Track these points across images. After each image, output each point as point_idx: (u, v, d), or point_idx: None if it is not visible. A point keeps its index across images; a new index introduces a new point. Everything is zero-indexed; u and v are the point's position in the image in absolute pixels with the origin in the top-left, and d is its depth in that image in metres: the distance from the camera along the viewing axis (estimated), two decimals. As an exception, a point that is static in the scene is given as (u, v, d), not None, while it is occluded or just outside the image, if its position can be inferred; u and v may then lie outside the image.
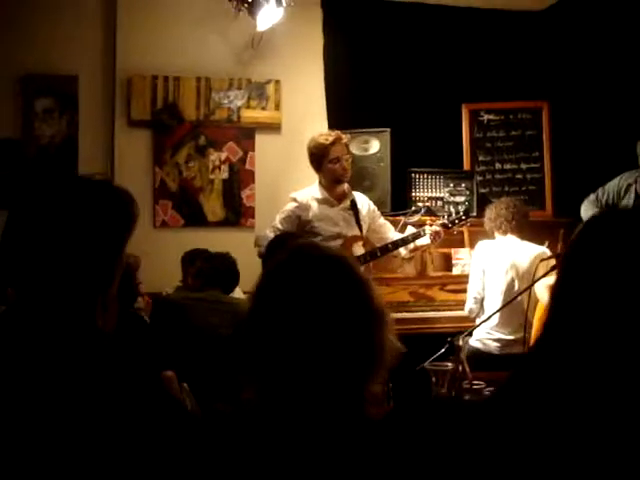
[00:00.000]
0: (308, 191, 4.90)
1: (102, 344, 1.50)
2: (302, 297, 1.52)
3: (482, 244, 5.02)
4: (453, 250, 5.59)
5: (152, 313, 4.58)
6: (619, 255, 1.42)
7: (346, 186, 4.88)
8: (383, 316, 1.56)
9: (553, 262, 4.14)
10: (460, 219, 4.91)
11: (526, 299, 4.46)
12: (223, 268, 4.46)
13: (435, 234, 4.79)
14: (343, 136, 4.82)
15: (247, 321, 1.58)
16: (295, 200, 4.85)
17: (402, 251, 4.95)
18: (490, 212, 5.04)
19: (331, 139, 4.73)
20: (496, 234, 5.00)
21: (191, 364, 3.86)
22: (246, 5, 5.17)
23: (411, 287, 5.54)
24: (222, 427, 1.53)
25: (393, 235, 4.98)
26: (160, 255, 5.66)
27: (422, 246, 4.94)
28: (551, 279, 4.37)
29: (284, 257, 1.60)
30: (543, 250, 4.95)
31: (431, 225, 4.88)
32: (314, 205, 4.80)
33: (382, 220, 5.07)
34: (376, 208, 5.09)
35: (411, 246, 4.92)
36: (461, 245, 5.59)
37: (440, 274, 5.61)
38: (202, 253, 4.94)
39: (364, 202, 4.99)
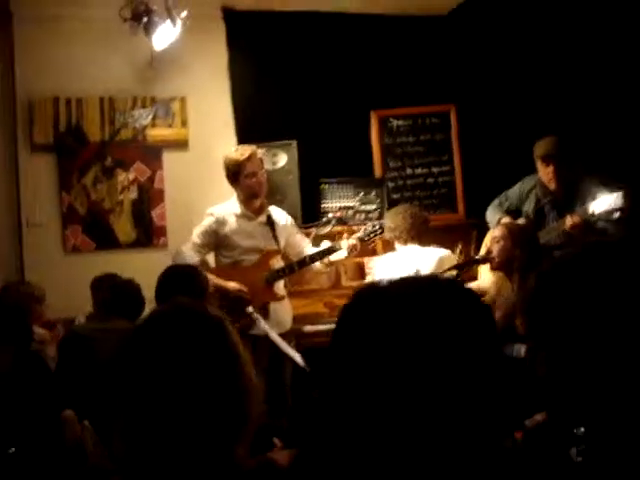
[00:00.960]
0: (226, 206, 4.93)
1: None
2: (162, 356, 1.50)
3: (383, 259, 5.04)
4: (366, 259, 5.61)
5: (60, 345, 4.50)
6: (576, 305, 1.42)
7: (263, 200, 4.90)
8: (249, 383, 1.55)
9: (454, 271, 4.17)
10: (376, 232, 4.92)
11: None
12: (127, 296, 4.39)
13: (352, 247, 4.81)
14: (258, 151, 4.85)
15: (115, 372, 1.56)
16: (212, 215, 4.88)
17: (318, 265, 4.95)
18: (389, 221, 5.03)
19: (246, 155, 4.76)
20: (396, 244, 5.01)
21: (97, 400, 3.80)
22: (141, 25, 5.09)
23: (326, 298, 5.55)
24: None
25: (310, 249, 5.00)
26: (73, 281, 5.57)
27: (339, 260, 4.95)
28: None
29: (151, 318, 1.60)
30: (446, 252, 4.99)
31: (348, 238, 4.88)
32: (231, 219, 4.83)
33: (299, 235, 5.09)
34: (294, 222, 5.12)
35: (327, 260, 4.93)
36: (374, 254, 5.62)
37: (354, 284, 5.62)
38: (110, 279, 4.86)
39: (281, 216, 5.02)
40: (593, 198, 4.42)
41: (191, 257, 4.73)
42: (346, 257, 4.90)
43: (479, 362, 1.15)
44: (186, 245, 4.82)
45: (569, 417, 1.52)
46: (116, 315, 4.39)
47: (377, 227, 4.92)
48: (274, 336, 4.09)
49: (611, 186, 4.32)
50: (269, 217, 4.86)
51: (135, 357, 1.54)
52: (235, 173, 4.77)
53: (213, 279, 4.63)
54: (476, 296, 1.24)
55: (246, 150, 4.80)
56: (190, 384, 1.47)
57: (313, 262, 4.86)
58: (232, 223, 4.82)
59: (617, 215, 4.23)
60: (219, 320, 1.56)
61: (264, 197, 4.90)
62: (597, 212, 4.33)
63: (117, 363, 1.59)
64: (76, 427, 3.42)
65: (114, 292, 4.46)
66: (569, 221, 4.48)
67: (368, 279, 5.57)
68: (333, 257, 4.88)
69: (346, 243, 4.81)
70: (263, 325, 4.21)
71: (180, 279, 3.71)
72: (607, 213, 4.27)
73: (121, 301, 4.38)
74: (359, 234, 4.90)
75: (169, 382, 1.48)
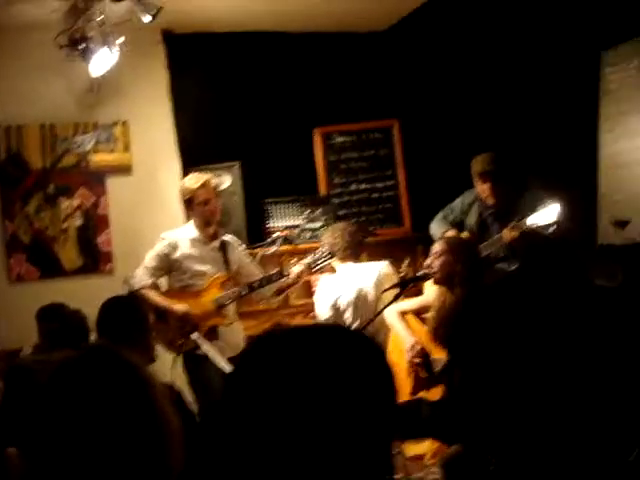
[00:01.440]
0: (180, 230, 5.03)
1: None
2: (72, 406, 1.49)
3: (323, 281, 5.08)
4: (313, 277, 5.62)
5: (5, 378, 4.45)
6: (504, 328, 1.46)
7: (217, 227, 4.99)
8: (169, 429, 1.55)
9: (397, 290, 4.20)
10: (325, 259, 4.96)
11: (380, 322, 4.53)
12: (72, 327, 4.36)
13: (299, 273, 4.86)
14: (212, 179, 4.94)
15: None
16: (164, 239, 4.95)
17: (267, 291, 5.01)
18: (326, 239, 5.07)
19: (199, 182, 4.84)
20: (335, 264, 5.03)
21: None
22: (78, 52, 5.07)
23: (275, 318, 5.58)
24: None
25: (259, 274, 5.03)
26: (18, 310, 5.48)
27: (287, 286, 5.02)
28: (401, 304, 4.48)
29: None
30: (385, 267, 5.03)
31: (296, 264, 4.93)
32: (184, 244, 4.90)
33: (252, 262, 5.15)
34: (247, 253, 5.19)
35: (275, 287, 4.99)
36: (321, 271, 5.63)
37: (302, 302, 5.65)
38: (55, 309, 4.82)
39: (234, 244, 5.09)
40: (531, 212, 4.51)
41: (143, 280, 4.82)
42: (294, 284, 4.97)
43: (367, 418, 1.16)
44: (139, 268, 4.90)
45: (483, 446, 1.56)
46: (62, 346, 4.36)
47: (326, 253, 4.95)
48: (219, 361, 4.11)
49: (547, 201, 4.41)
50: (222, 243, 4.95)
51: (46, 407, 1.53)
52: (189, 200, 4.87)
53: (161, 301, 4.75)
54: (376, 350, 1.26)
55: (200, 178, 4.89)
56: (101, 435, 1.45)
57: (261, 287, 4.91)
58: (184, 247, 4.89)
59: (551, 230, 4.32)
60: (133, 367, 1.56)
61: (218, 223, 4.99)
62: (533, 226, 4.42)
63: (33, 409, 1.58)
64: (19, 464, 3.39)
65: (59, 323, 4.43)
66: (507, 235, 4.57)
67: (315, 297, 5.61)
68: (281, 282, 4.94)
69: (295, 269, 4.85)
70: (206, 349, 4.24)
71: (120, 310, 3.70)
72: (542, 227, 4.36)
73: (66, 332, 4.36)
74: (307, 260, 4.94)
75: (80, 433, 1.45)
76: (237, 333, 4.98)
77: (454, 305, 4.10)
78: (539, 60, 5.18)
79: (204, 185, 4.83)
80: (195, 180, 4.87)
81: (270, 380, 1.16)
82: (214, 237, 4.95)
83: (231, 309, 4.95)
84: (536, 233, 4.55)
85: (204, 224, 4.89)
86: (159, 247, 4.92)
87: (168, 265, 4.88)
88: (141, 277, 4.83)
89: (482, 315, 1.51)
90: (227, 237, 5.05)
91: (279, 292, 5.05)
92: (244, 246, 5.19)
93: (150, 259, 4.89)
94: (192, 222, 4.96)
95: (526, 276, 1.60)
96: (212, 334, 4.73)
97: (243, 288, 4.88)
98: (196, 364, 4.67)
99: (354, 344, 1.24)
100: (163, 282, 5.05)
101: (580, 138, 5.00)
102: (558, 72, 5.05)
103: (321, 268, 5.02)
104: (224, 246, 4.95)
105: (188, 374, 4.76)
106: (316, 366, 1.17)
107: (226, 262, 4.90)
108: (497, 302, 1.52)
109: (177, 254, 4.87)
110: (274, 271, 4.92)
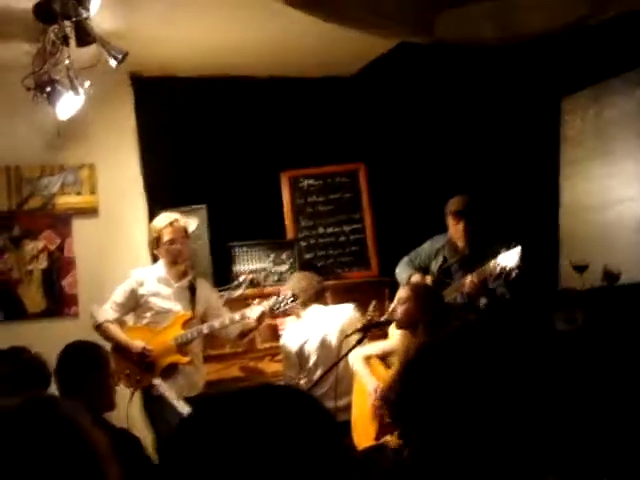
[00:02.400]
0: (150, 268, 5.14)
1: None
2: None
3: (289, 327, 5.11)
4: (279, 320, 5.62)
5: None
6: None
7: (187, 266, 5.06)
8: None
9: (359, 335, 4.22)
10: (287, 302, 4.98)
11: (345, 366, 4.53)
12: (31, 371, 4.31)
13: (261, 315, 4.88)
14: (180, 219, 4.99)
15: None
16: (132, 275, 5.03)
17: (230, 333, 5.04)
18: (289, 286, 5.11)
19: (167, 222, 4.92)
20: (299, 311, 5.06)
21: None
22: (45, 95, 5.07)
23: (241, 362, 5.55)
24: None
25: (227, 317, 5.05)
26: (-21, 353, 5.42)
27: (249, 329, 5.06)
28: (365, 349, 4.49)
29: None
30: (350, 311, 5.06)
31: (259, 304, 4.95)
32: (151, 281, 4.97)
33: (221, 305, 5.18)
34: (217, 295, 5.23)
35: (239, 329, 5.03)
36: (287, 315, 5.63)
37: (268, 345, 5.64)
38: (14, 353, 4.76)
39: (204, 286, 5.16)
40: (494, 258, 4.56)
41: (108, 314, 4.89)
42: (256, 325, 5.01)
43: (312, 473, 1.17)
44: (107, 304, 4.96)
45: None
46: (17, 392, 4.29)
47: (288, 296, 4.98)
48: (177, 404, 4.09)
49: (510, 247, 4.47)
50: (191, 283, 5.01)
51: None
52: (156, 239, 4.95)
53: (121, 336, 4.82)
54: (310, 406, 1.26)
55: (167, 218, 4.96)
56: None
57: (222, 328, 4.94)
58: (151, 285, 4.96)
59: (514, 274, 4.37)
60: (69, 419, 1.53)
61: (186, 263, 5.05)
62: (496, 270, 4.46)
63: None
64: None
65: (17, 367, 4.37)
66: (468, 281, 4.62)
67: (281, 342, 5.59)
68: (242, 326, 4.99)
69: (256, 311, 4.86)
70: (166, 393, 4.23)
71: (79, 357, 3.66)
72: (504, 272, 4.41)
73: (25, 377, 4.30)
74: (269, 302, 4.96)
75: None
76: (199, 374, 4.99)
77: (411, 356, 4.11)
78: (503, 106, 5.28)
79: (171, 224, 4.90)
80: (163, 219, 4.95)
81: (209, 449, 1.16)
82: (182, 276, 5.00)
83: (195, 349, 4.96)
84: (495, 280, 4.61)
85: (171, 263, 4.95)
86: (127, 283, 5.00)
87: (134, 301, 4.95)
88: (106, 311, 4.90)
89: (435, 374, 1.51)
90: (198, 279, 5.11)
91: (242, 335, 5.06)
92: (214, 292, 5.24)
93: (117, 294, 4.96)
94: (161, 261, 5.02)
95: (484, 327, 1.61)
96: (171, 372, 4.80)
97: (204, 327, 4.90)
98: (155, 404, 4.67)
99: (286, 403, 1.25)
100: (130, 318, 5.08)
101: (542, 183, 5.09)
102: (521, 118, 5.15)
103: (284, 310, 5.05)
104: (192, 285, 5.00)
105: (147, 414, 4.77)
106: (254, 430, 1.16)
107: (192, 302, 4.95)
108: (452, 357, 1.52)
109: (143, 291, 4.94)
110: (236, 313, 4.94)
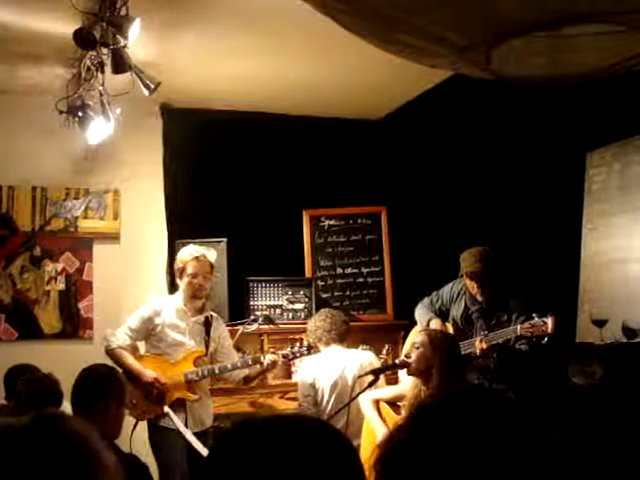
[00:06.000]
0: (169, 298, 5.11)
1: None
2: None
3: (308, 362, 5.06)
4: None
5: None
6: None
7: (205, 302, 5.02)
8: None
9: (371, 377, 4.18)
10: (302, 353, 4.98)
11: (357, 408, 4.49)
12: (43, 391, 4.30)
13: (272, 363, 4.89)
14: (208, 255, 4.97)
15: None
16: (151, 303, 5.00)
17: (239, 375, 5.02)
18: (311, 325, 5.13)
19: (193, 255, 4.91)
20: (320, 346, 5.06)
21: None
22: (76, 119, 5.15)
23: (251, 397, 5.51)
24: None
25: (236, 358, 5.05)
26: (-8, 370, 5.43)
27: (257, 374, 5.03)
28: (376, 392, 4.44)
29: None
30: (369, 357, 5.04)
31: (273, 353, 4.96)
32: (168, 312, 4.92)
33: (230, 346, 5.14)
34: (228, 335, 5.18)
35: (246, 372, 5.00)
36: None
37: (279, 382, 5.60)
38: (25, 370, 4.77)
39: (219, 324, 5.12)
40: (519, 319, 4.55)
41: (121, 339, 4.82)
42: (265, 372, 5.01)
43: None
44: (121, 328, 4.91)
45: None
46: (30, 409, 4.27)
47: (305, 348, 4.98)
48: (188, 435, 4.06)
49: (534, 308, 4.44)
50: (207, 319, 4.97)
51: None
52: (180, 270, 4.93)
53: (133, 364, 4.75)
54: (339, 442, 1.26)
55: (195, 251, 4.95)
56: None
57: (234, 369, 4.92)
58: (168, 316, 4.92)
59: (544, 341, 4.34)
60: (78, 436, 1.52)
61: (205, 299, 5.02)
62: (523, 334, 4.44)
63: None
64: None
65: (31, 386, 4.37)
66: (477, 345, 4.60)
67: (294, 378, 5.57)
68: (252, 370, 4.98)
69: (269, 357, 4.88)
70: (177, 424, 4.20)
71: (96, 381, 3.64)
72: (533, 338, 4.39)
73: (38, 396, 4.29)
74: (284, 351, 4.97)
75: None
76: (205, 409, 4.94)
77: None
78: (528, 158, 5.29)
79: (197, 258, 4.89)
80: (190, 252, 4.94)
81: (242, 469, 1.17)
82: (200, 311, 4.98)
83: (202, 384, 4.92)
84: (507, 348, 4.59)
85: (190, 296, 4.92)
86: (144, 310, 4.95)
87: (148, 329, 4.89)
88: (120, 336, 4.84)
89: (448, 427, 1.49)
90: (215, 316, 5.08)
91: (248, 379, 5.04)
92: (227, 332, 5.19)
93: (133, 319, 4.91)
94: (180, 292, 4.99)
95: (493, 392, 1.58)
96: (178, 407, 4.72)
97: (216, 367, 4.88)
98: (160, 435, 4.64)
99: (320, 437, 1.25)
100: (141, 346, 5.04)
101: (564, 235, 5.07)
102: (546, 170, 5.15)
103: (297, 359, 5.06)
104: (208, 322, 4.97)
105: (151, 445, 4.71)
106: (288, 461, 1.17)
107: (206, 338, 4.93)
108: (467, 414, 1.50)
109: (159, 320, 4.89)
110: (249, 357, 4.96)
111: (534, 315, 4.40)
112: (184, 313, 4.93)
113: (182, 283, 4.93)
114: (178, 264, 4.95)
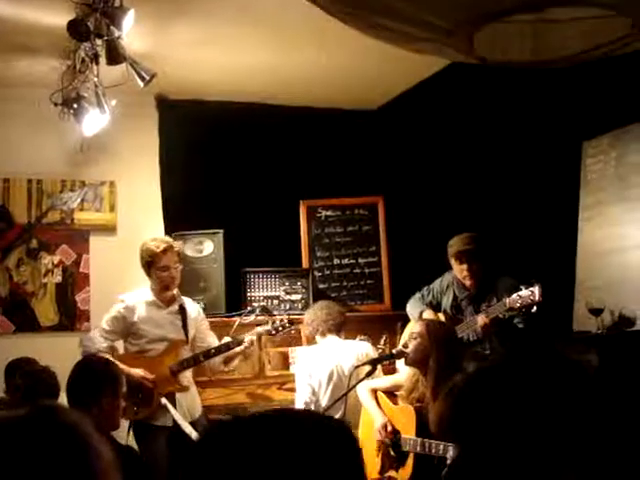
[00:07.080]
0: (138, 293, 4.93)
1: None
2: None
3: (303, 351, 5.07)
4: (290, 349, 5.61)
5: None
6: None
7: (176, 291, 4.90)
8: None
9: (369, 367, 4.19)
10: (284, 327, 4.94)
11: (354, 398, 4.49)
12: (41, 384, 4.31)
13: (250, 342, 4.80)
14: (175, 244, 4.87)
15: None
16: (123, 301, 4.86)
17: (217, 360, 4.90)
18: (307, 316, 5.14)
19: (162, 247, 4.76)
20: (317, 337, 5.07)
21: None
22: (71, 111, 5.13)
23: (248, 388, 5.51)
24: None
25: (213, 341, 4.97)
26: (-11, 363, 5.43)
27: (235, 354, 4.89)
28: (373, 382, 4.45)
29: None
30: (366, 348, 5.04)
31: (248, 334, 4.87)
32: (141, 307, 4.82)
33: (207, 328, 5.06)
34: (204, 315, 5.10)
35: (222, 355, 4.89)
36: (298, 343, 5.62)
37: (277, 373, 5.61)
38: (24, 364, 4.77)
39: (194, 308, 5.03)
40: (507, 295, 4.52)
41: (99, 343, 4.71)
42: (243, 350, 4.85)
43: None
44: (95, 331, 4.82)
45: None
46: (29, 402, 4.28)
47: (284, 322, 4.94)
48: (185, 426, 4.05)
49: (524, 283, 4.42)
50: (181, 307, 4.87)
51: None
52: (149, 263, 4.79)
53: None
54: (343, 435, 1.26)
55: (163, 243, 4.81)
56: None
57: (218, 354, 4.83)
58: (142, 311, 4.81)
59: (533, 309, 4.32)
60: (73, 427, 1.52)
61: (176, 288, 4.89)
62: (512, 306, 4.42)
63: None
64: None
65: (29, 379, 4.37)
66: (480, 321, 4.59)
67: (292, 369, 5.57)
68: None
69: (247, 337, 4.81)
70: (174, 414, 4.19)
71: (91, 373, 3.63)
72: (522, 308, 4.37)
73: (36, 388, 4.30)
74: (259, 329, 4.91)
75: None
76: (192, 400, 4.88)
77: (429, 389, 4.06)
78: (524, 147, 5.28)
79: (166, 250, 4.75)
80: (157, 244, 4.79)
81: (230, 467, 1.15)
82: (172, 301, 4.87)
83: (187, 375, 4.86)
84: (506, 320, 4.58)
85: (162, 289, 4.82)
86: (116, 308, 4.83)
87: (124, 328, 4.79)
88: (96, 340, 4.72)
89: (491, 400, 1.51)
90: (186, 301, 4.97)
91: (227, 360, 4.94)
92: (203, 314, 5.10)
93: (106, 321, 4.79)
94: (149, 285, 4.89)
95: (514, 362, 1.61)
96: (169, 401, 4.64)
97: (199, 354, 4.80)
98: (147, 434, 4.60)
99: (321, 430, 1.25)
100: (119, 345, 4.98)
101: (560, 224, 5.06)
102: (542, 159, 5.14)
103: (280, 333, 4.98)
104: (183, 310, 4.87)
105: (138, 443, 4.61)
106: (280, 455, 1.15)
107: (184, 326, 4.83)
108: (502, 383, 1.53)
109: (134, 317, 4.79)
110: (229, 339, 4.88)
111: (521, 287, 4.40)
112: (157, 306, 4.83)
113: (151, 276, 4.81)
114: (145, 257, 4.79)
